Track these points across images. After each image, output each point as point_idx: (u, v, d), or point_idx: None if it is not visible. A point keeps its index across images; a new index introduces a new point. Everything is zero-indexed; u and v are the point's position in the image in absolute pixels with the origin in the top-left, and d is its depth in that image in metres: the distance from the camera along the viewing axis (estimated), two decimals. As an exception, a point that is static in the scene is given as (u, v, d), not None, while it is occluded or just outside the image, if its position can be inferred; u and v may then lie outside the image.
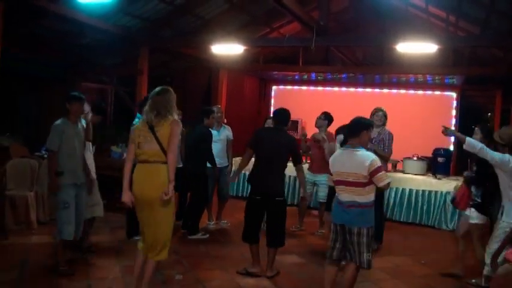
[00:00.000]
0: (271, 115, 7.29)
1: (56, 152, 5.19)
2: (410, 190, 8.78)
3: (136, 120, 6.38)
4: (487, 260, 4.92)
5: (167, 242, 4.45)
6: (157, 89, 4.51)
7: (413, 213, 8.76)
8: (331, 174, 5.79)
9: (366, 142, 4.71)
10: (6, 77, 9.01)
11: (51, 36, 8.93)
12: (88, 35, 9.22)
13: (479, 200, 5.43)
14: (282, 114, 5.79)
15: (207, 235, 7.15)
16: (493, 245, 4.80)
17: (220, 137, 7.64)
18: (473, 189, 5.52)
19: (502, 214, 4.99)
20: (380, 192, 5.27)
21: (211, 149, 7.18)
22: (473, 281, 5.51)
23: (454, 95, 11.84)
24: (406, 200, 8.79)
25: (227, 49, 9.35)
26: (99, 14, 8.21)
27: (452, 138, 11.60)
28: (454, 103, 11.81)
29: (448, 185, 8.56)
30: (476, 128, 5.63)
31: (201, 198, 7.22)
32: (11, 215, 6.62)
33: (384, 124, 7.08)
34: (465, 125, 12.28)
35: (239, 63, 11.83)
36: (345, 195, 4.50)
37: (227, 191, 8.00)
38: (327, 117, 7.59)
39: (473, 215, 5.46)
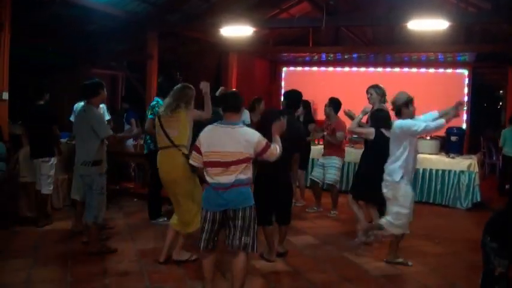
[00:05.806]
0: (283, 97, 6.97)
1: (112, 134, 5.51)
2: (424, 170, 8.69)
3: (154, 103, 6.48)
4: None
5: (192, 217, 4.90)
6: (179, 85, 5.16)
7: (427, 192, 8.69)
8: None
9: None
10: (17, 66, 9.01)
11: (60, 23, 8.91)
12: (96, 21, 9.19)
13: None
14: (293, 96, 5.79)
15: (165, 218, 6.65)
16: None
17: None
18: None
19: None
20: None
21: None
22: None
23: (466, 72, 11.72)
24: (420, 179, 8.71)
25: (236, 31, 9.28)
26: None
27: (465, 117, 11.53)
28: (466, 80, 11.69)
29: (461, 164, 8.49)
30: None
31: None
32: (25, 202, 6.67)
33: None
34: (477, 102, 12.20)
35: (248, 46, 11.76)
36: (224, 176, 3.97)
37: None
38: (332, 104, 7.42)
39: None
